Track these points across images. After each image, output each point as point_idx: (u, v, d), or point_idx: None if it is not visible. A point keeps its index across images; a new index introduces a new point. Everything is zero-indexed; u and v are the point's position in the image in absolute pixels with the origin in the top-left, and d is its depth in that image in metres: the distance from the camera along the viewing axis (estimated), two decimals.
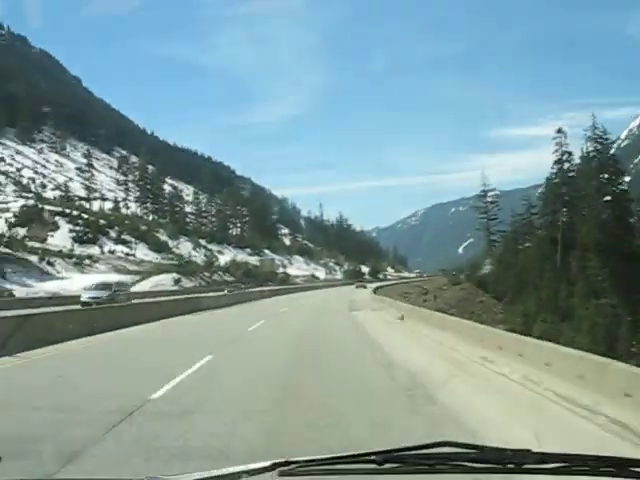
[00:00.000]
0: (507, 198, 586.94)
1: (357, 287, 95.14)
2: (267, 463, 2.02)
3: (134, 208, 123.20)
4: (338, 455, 2.08)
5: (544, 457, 2.05)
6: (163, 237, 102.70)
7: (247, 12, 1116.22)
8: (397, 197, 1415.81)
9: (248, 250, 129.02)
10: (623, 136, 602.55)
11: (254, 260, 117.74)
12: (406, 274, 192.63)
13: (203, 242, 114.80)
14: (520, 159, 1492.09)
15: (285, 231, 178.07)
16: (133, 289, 55.18)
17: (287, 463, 2.01)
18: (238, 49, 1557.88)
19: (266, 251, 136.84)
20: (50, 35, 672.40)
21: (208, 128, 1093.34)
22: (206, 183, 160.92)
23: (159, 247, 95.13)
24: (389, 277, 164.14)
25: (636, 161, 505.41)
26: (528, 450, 2.09)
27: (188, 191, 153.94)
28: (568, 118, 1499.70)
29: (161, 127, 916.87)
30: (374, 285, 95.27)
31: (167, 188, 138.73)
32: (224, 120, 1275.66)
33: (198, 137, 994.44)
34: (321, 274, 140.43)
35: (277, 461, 2.02)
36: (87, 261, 71.83)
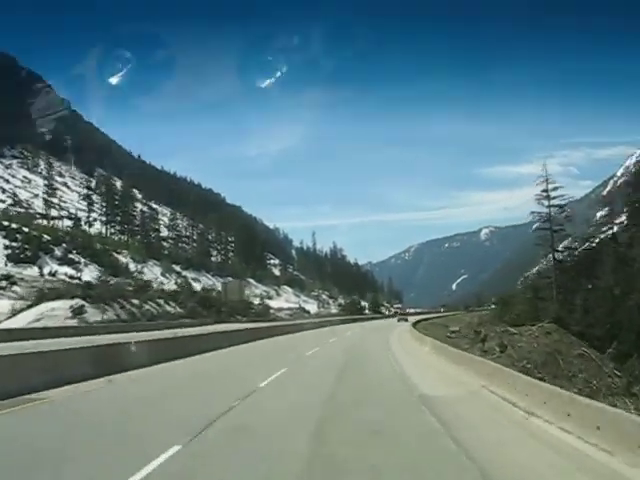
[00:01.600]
0: (502, 233, 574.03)
1: (399, 320, 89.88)
2: None
3: (99, 227, 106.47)
4: None
5: None
6: (126, 259, 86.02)
7: None
8: (390, 232, 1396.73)
9: (230, 279, 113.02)
10: (619, 173, 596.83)
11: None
12: (412, 310, 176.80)
13: (177, 268, 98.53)
14: (514, 196, 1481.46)
15: (275, 261, 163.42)
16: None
17: None
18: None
19: (251, 280, 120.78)
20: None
21: (201, 158, 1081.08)
22: (193, 209, 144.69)
23: (115, 270, 76.66)
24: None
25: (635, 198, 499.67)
26: None
27: (168, 213, 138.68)
28: (561, 156, 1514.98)
29: (152, 154, 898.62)
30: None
31: (142, 208, 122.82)
32: (218, 151, 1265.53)
33: (190, 167, 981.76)
34: (312, 307, 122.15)
35: None
36: (4, 283, 54.42)
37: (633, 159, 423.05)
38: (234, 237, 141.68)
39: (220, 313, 79.10)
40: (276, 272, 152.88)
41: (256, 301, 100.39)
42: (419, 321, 72.71)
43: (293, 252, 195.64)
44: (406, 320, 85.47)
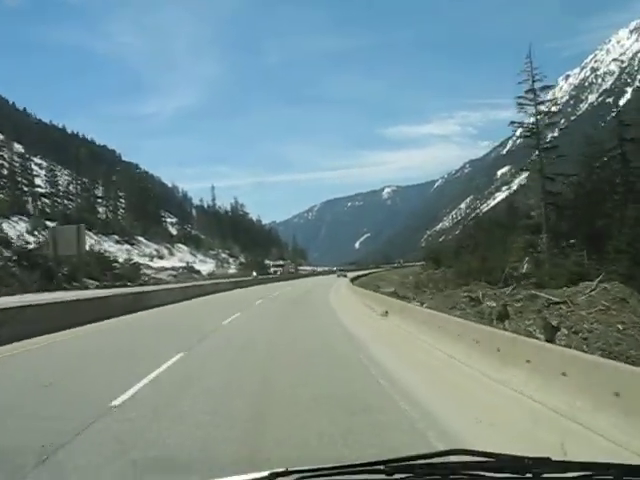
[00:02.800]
0: (404, 193, 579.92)
1: (338, 276, 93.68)
2: (265, 473, 1.92)
3: None
4: (344, 464, 1.98)
5: (565, 465, 1.98)
6: None
7: None
8: (293, 192, 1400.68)
9: (115, 237, 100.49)
10: (519, 133, 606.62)
11: (120, 249, 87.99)
12: (320, 268, 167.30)
13: (53, 225, 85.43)
14: (415, 155, 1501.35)
15: (172, 220, 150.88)
16: None
17: (288, 473, 1.92)
18: (130, 37, 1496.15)
19: (140, 238, 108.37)
20: None
21: (97, 117, 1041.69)
22: (81, 164, 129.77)
23: None
24: (302, 270, 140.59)
25: (533, 156, 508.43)
26: (547, 458, 2.00)
27: (48, 166, 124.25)
28: (460, 117, 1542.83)
29: (44, 110, 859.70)
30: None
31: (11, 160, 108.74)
32: (114, 109, 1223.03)
33: (87, 126, 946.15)
34: (209, 267, 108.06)
35: (276, 470, 1.93)
36: None
37: (531, 119, 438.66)
38: (125, 193, 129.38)
39: (51, 276, 52.93)
40: (173, 231, 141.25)
41: (122, 259, 77.25)
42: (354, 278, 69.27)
43: (194, 212, 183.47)
44: (345, 276, 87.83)
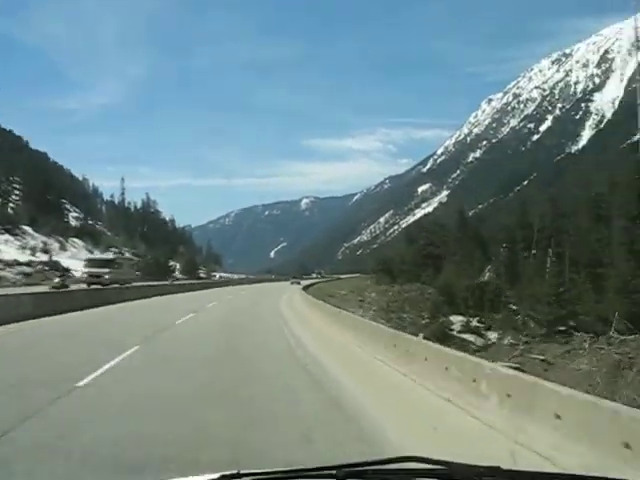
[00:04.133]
0: (322, 205, 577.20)
1: (292, 283, 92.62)
2: (216, 475, 1.90)
3: None
4: (296, 468, 1.96)
5: (514, 475, 1.99)
6: None
7: None
8: (211, 197, 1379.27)
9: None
10: (440, 152, 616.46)
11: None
12: (237, 276, 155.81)
13: None
14: (336, 169, 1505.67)
15: (77, 214, 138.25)
16: None
17: (239, 475, 1.89)
18: (55, 27, 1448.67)
19: (26, 228, 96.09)
20: None
21: (14, 108, 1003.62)
22: None
23: None
24: (217, 277, 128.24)
25: (454, 175, 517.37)
26: (498, 467, 2.01)
27: None
28: (382, 133, 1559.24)
29: None
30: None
31: None
32: (33, 102, 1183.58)
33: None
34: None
35: (226, 473, 1.90)
36: None
37: (452, 140, 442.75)
38: (23, 181, 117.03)
39: None
40: (76, 225, 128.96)
41: None
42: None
43: (104, 208, 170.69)
44: (299, 283, 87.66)
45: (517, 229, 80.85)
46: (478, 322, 40.22)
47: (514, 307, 46.18)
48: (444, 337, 23.60)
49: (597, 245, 48.85)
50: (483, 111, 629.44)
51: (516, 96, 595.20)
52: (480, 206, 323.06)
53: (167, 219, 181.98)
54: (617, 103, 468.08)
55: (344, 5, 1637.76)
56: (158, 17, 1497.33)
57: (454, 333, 34.50)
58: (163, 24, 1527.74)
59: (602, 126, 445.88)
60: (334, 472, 1.83)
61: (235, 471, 1.82)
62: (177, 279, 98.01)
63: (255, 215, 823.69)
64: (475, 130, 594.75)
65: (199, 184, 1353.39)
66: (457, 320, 38.92)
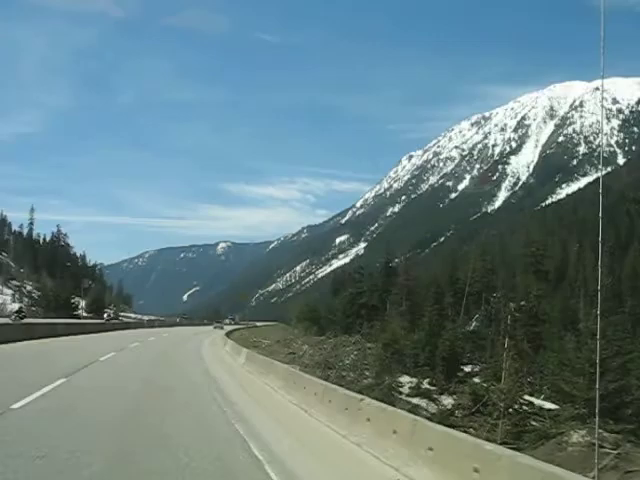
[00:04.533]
0: (239, 250, 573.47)
1: (215, 327, 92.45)
2: None
3: None
4: None
5: None
6: None
7: None
8: (125, 236, 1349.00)
9: None
10: (359, 205, 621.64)
11: None
12: (146, 317, 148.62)
13: None
14: (254, 215, 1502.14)
15: None
16: None
17: None
18: None
19: None
20: None
21: None
22: None
23: None
24: (125, 318, 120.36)
25: (372, 228, 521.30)
26: None
27: None
28: (302, 183, 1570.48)
29: None
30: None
31: None
32: None
33: None
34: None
35: None
36: None
37: (372, 193, 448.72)
38: None
39: None
40: None
41: None
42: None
43: (11, 239, 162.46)
44: (222, 328, 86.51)
45: (446, 285, 79.98)
46: (429, 384, 36.47)
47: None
48: (391, 401, 20.21)
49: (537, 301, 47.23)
50: (403, 167, 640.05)
51: (436, 154, 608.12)
52: (396, 260, 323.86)
53: (78, 254, 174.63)
54: (532, 167, 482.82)
55: (269, 53, 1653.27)
56: (84, 50, 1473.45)
57: (402, 397, 30.81)
58: (89, 58, 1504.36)
59: (517, 188, 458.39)
60: None
61: None
62: (112, 317, 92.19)
63: (171, 257, 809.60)
64: (395, 185, 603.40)
65: (113, 222, 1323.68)
66: (406, 381, 35.07)
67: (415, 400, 29.82)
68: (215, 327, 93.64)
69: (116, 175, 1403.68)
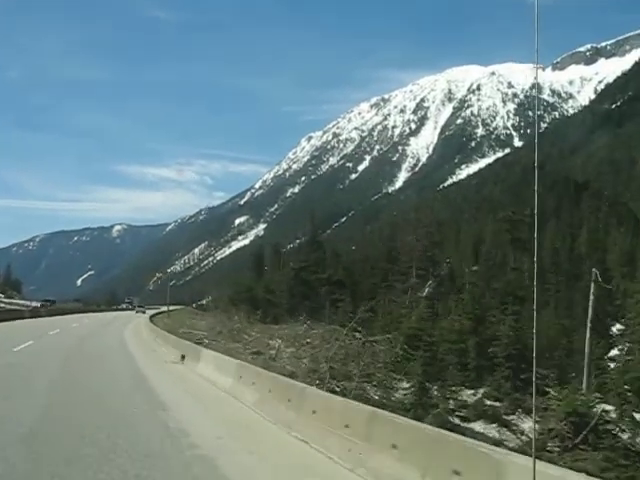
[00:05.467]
0: (135, 232, 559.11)
1: (137, 312, 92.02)
2: None
3: None
4: None
5: None
6: None
7: None
8: (14, 219, 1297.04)
9: None
10: (257, 186, 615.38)
11: None
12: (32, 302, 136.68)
13: None
14: (150, 197, 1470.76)
15: None
16: None
17: None
18: None
19: None
20: None
21: None
22: None
23: None
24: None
25: (272, 209, 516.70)
26: None
27: None
28: (199, 165, 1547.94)
29: None
30: None
31: None
32: None
33: None
34: None
35: None
36: None
37: (271, 174, 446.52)
38: None
39: None
40: None
41: None
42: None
43: None
44: (144, 312, 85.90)
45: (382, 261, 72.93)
46: (485, 396, 26.06)
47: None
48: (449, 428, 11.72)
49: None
50: (302, 148, 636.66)
51: (336, 135, 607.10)
52: (298, 241, 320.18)
53: None
54: (431, 148, 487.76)
55: (165, 32, 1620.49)
56: None
57: (461, 423, 20.20)
58: None
59: (417, 169, 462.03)
60: None
61: None
62: None
63: (63, 241, 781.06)
64: (294, 166, 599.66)
65: (2, 204, 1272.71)
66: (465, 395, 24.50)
67: (479, 425, 21.73)
68: (137, 312, 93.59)
69: (4, 157, 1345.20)
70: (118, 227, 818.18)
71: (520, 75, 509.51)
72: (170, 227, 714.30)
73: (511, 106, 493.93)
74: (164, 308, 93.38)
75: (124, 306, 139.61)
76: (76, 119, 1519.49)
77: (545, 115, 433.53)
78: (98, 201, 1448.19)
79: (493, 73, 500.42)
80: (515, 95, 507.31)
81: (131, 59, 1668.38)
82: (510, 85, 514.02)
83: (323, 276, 68.29)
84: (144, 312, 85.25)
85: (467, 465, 5.59)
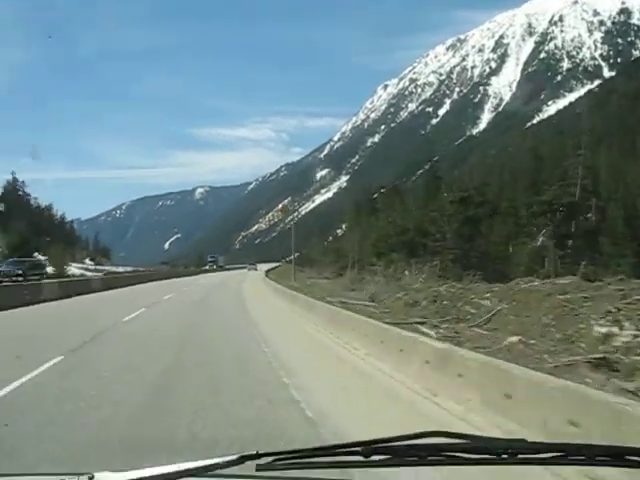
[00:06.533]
0: (217, 194, 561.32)
1: (249, 270, 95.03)
2: (234, 456, 1.83)
3: None
4: (320, 446, 1.92)
5: (539, 447, 1.96)
6: None
7: None
8: (100, 189, 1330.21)
9: None
10: (336, 138, 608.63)
11: None
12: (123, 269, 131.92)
13: None
14: (229, 158, 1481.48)
15: None
16: None
17: (258, 456, 1.82)
18: None
19: None
20: None
21: None
22: None
23: None
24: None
25: (353, 160, 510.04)
26: (523, 439, 2.01)
27: None
28: (274, 122, 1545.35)
29: None
30: None
31: None
32: None
33: None
34: None
35: (246, 454, 1.83)
36: None
37: (349, 126, 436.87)
38: None
39: None
40: None
41: None
42: None
43: None
44: (255, 269, 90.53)
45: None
46: None
47: None
48: None
49: None
50: (379, 97, 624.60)
51: (413, 81, 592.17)
52: (383, 190, 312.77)
53: (42, 205, 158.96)
54: (514, 86, 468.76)
55: None
56: (40, 2, 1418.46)
57: None
58: (46, 10, 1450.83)
59: (500, 109, 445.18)
60: (359, 449, 1.78)
61: (254, 451, 1.75)
62: None
63: (148, 206, 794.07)
64: (372, 115, 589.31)
65: (88, 175, 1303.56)
66: None
67: None
68: (249, 269, 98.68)
69: (86, 129, 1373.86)
70: (200, 190, 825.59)
71: (606, 1, 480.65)
72: (251, 186, 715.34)
73: (598, 35, 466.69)
74: (260, 266, 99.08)
75: (207, 266, 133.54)
76: (149, 86, 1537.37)
77: (637, 41, 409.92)
78: (178, 165, 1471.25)
79: (576, 1, 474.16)
80: (602, 23, 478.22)
81: (199, 21, 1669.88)
82: (596, 12, 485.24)
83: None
84: (256, 269, 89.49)
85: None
